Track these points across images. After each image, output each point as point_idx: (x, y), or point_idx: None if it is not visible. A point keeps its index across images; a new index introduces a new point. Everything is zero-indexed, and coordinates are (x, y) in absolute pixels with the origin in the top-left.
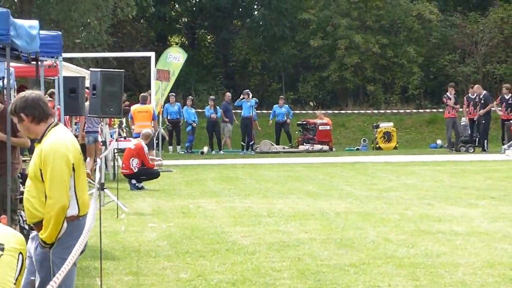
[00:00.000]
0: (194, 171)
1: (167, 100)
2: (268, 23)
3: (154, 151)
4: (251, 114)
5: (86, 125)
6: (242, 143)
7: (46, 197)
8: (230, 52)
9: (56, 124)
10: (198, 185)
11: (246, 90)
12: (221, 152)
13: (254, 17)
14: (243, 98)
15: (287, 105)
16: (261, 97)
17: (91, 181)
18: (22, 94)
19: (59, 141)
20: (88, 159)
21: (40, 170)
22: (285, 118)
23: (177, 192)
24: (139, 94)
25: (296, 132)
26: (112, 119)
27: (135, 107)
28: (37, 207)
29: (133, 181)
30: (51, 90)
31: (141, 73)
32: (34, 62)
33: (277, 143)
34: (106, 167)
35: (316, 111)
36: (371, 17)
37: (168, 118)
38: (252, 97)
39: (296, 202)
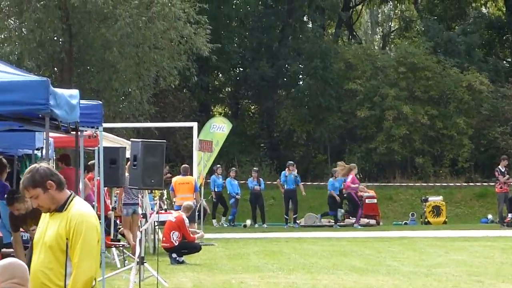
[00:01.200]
0: (236, 244)
1: (210, 172)
2: (313, 93)
3: (196, 224)
4: (294, 186)
5: (124, 197)
6: (285, 216)
7: (66, 268)
8: (274, 123)
9: (75, 196)
10: (240, 260)
11: (290, 162)
12: (265, 225)
13: (299, 87)
14: (289, 170)
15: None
16: (305, 169)
17: (130, 255)
18: (29, 168)
19: (89, 212)
20: (125, 231)
21: (67, 239)
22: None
23: (219, 266)
24: (181, 165)
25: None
26: (153, 191)
27: (176, 179)
28: (54, 280)
29: (174, 255)
30: (92, 161)
31: (183, 144)
32: (74, 132)
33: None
34: (146, 240)
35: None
36: (419, 88)
37: (216, 190)
38: (296, 168)
39: (342, 278)
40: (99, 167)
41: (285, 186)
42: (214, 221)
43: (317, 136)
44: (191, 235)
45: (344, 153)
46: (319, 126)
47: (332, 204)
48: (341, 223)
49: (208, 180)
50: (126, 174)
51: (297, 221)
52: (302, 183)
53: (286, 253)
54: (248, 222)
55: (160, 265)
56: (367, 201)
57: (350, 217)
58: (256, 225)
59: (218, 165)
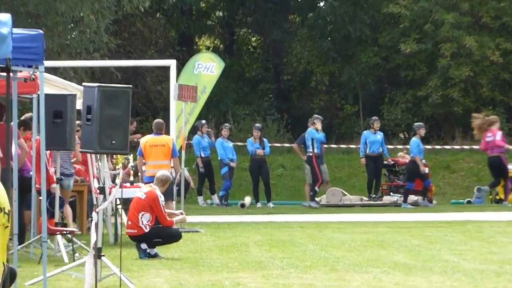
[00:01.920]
0: (230, 231)
1: (193, 129)
2: (339, 19)
3: (174, 202)
4: (320, 151)
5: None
6: (310, 192)
7: None
8: (284, 61)
9: None
10: (236, 252)
11: (315, 115)
12: (270, 204)
13: (320, 11)
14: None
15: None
16: (328, 125)
17: (82, 245)
18: None
19: None
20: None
21: None
22: (380, 150)
23: (207, 262)
24: (152, 120)
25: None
26: (114, 157)
27: (146, 139)
28: None
29: (143, 246)
30: (28, 114)
31: (156, 91)
32: (4, 74)
33: (370, 193)
34: (105, 224)
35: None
36: (488, 12)
37: (202, 155)
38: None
39: (379, 279)
40: (38, 122)
41: (314, 149)
42: (200, 198)
43: (345, 79)
44: (168, 218)
45: (383, 104)
46: (347, 66)
47: (412, 173)
48: (371, 202)
49: (191, 141)
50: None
51: (316, 199)
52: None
53: (301, 243)
54: (247, 200)
55: (124, 260)
56: None
57: (391, 194)
58: (259, 204)
59: (204, 121)
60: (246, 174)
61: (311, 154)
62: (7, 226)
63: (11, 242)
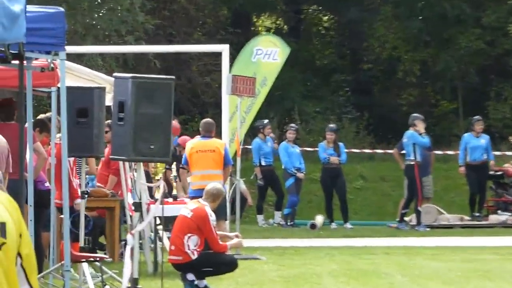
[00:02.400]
0: (298, 259)
1: (252, 131)
2: None
3: (228, 222)
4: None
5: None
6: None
7: None
8: (363, 46)
9: None
10: (306, 285)
11: (415, 115)
12: (348, 225)
13: None
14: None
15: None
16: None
17: (112, 274)
18: None
19: None
20: None
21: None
22: (485, 157)
23: None
24: (199, 119)
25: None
26: (153, 165)
27: (193, 144)
28: None
29: (190, 276)
30: (46, 114)
31: (205, 83)
32: (16, 62)
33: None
34: (142, 250)
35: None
36: None
37: (263, 164)
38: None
39: None
40: (59, 122)
41: (416, 156)
42: (259, 217)
43: (440, 69)
44: (220, 242)
45: (488, 99)
46: (443, 52)
47: None
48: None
49: (249, 146)
50: (107, 135)
51: (406, 218)
52: None
53: (386, 274)
54: (319, 219)
55: None
56: None
57: (499, 211)
58: (333, 225)
59: (266, 121)
60: (317, 187)
61: (412, 163)
62: (3, 243)
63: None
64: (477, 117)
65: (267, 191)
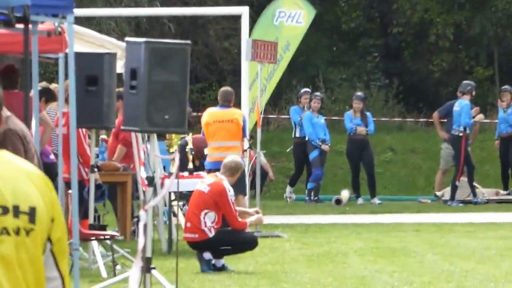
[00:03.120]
0: (323, 237)
1: (274, 99)
2: None
3: (247, 197)
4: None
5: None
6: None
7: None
8: (393, 8)
9: None
10: (330, 265)
11: (467, 82)
12: (376, 200)
13: None
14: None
15: None
16: (454, 93)
17: (126, 254)
18: None
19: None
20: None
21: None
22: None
23: (291, 277)
24: (217, 88)
25: None
26: (168, 136)
27: (210, 113)
28: None
29: (207, 255)
30: (51, 85)
31: (223, 48)
32: (21, 26)
33: (505, 185)
34: (156, 227)
35: None
36: None
37: (297, 135)
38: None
39: None
40: (67, 91)
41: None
42: (288, 189)
43: (475, 33)
44: (239, 219)
45: None
46: (478, 14)
47: None
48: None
49: (272, 116)
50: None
51: (438, 193)
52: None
53: (417, 252)
54: (345, 194)
55: (182, 274)
56: None
57: None
58: (360, 200)
59: (305, 89)
60: (343, 159)
61: (461, 134)
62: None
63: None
64: (504, 87)
65: (302, 165)
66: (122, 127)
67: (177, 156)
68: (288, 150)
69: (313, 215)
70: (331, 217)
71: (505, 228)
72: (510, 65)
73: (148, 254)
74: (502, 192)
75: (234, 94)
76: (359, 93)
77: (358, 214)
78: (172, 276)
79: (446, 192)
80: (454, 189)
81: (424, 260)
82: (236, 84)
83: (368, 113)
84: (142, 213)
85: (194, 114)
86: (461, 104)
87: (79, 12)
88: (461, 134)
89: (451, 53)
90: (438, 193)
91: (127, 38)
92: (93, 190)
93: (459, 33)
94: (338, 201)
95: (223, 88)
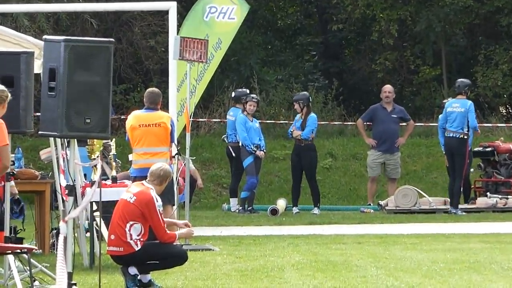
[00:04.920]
0: (257, 250)
1: (205, 101)
2: None
3: (175, 207)
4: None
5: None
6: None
7: None
8: (333, 3)
9: None
10: (266, 280)
11: (463, 80)
12: (315, 210)
13: None
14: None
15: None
16: (398, 95)
17: (43, 269)
18: None
19: None
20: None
21: None
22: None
23: None
24: (143, 89)
25: (472, 170)
26: (89, 142)
27: (135, 116)
28: None
29: (132, 270)
30: None
31: (149, 46)
32: None
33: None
34: (77, 240)
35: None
36: None
37: (228, 140)
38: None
39: None
40: None
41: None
42: (233, 201)
43: (421, 29)
44: (167, 231)
45: (476, 63)
46: (424, 10)
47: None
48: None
49: (202, 119)
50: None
51: (381, 202)
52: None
53: (359, 267)
54: (282, 203)
55: None
56: None
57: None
58: (296, 210)
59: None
60: (279, 166)
61: (466, 137)
62: None
63: None
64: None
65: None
66: (40, 132)
67: (99, 163)
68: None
69: (247, 226)
70: (267, 228)
71: (453, 240)
72: (458, 64)
73: (69, 269)
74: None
75: (161, 96)
76: (304, 92)
77: (295, 225)
78: None
79: (390, 201)
80: (458, 195)
81: (366, 274)
82: (163, 85)
83: (312, 115)
84: (62, 224)
85: (117, 117)
86: (465, 104)
87: None
88: (466, 137)
89: (395, 51)
90: (382, 202)
91: (45, 36)
92: (9, 200)
93: (404, 30)
94: (274, 211)
95: (149, 89)
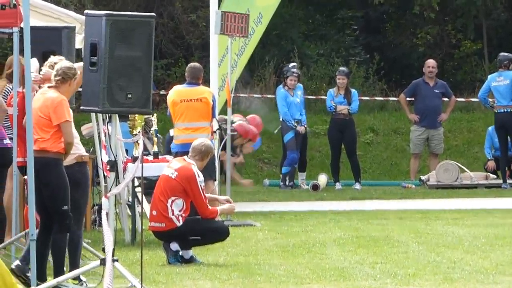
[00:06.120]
0: (298, 225)
1: (246, 76)
2: None
3: (217, 183)
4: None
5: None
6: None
7: None
8: None
9: None
10: (307, 256)
11: (505, 54)
12: (357, 186)
13: None
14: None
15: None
16: (439, 69)
17: (84, 245)
18: None
19: None
20: None
21: None
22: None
23: (265, 269)
24: (184, 64)
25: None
26: (131, 117)
27: (176, 91)
28: None
29: (174, 246)
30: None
31: (190, 21)
32: None
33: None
34: (119, 216)
35: None
36: None
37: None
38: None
39: None
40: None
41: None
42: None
43: (462, 3)
44: (209, 207)
45: None
46: None
47: None
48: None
49: (243, 95)
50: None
51: (422, 177)
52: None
53: (400, 242)
54: (323, 179)
55: (147, 267)
56: None
57: None
58: (338, 185)
59: (293, 64)
60: (320, 141)
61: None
62: None
63: None
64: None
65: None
66: (81, 107)
67: (141, 139)
68: (275, 132)
69: (288, 202)
70: (308, 204)
71: (495, 215)
72: (499, 38)
73: (110, 246)
74: (492, 176)
75: (203, 71)
76: (342, 68)
77: (337, 201)
78: (137, 269)
79: (432, 176)
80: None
81: (408, 250)
82: (205, 60)
83: (353, 90)
84: (104, 200)
85: (158, 92)
86: (510, 76)
87: None
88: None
89: (436, 26)
90: (423, 177)
91: (86, 11)
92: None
93: (445, 4)
94: (315, 187)
95: (191, 64)
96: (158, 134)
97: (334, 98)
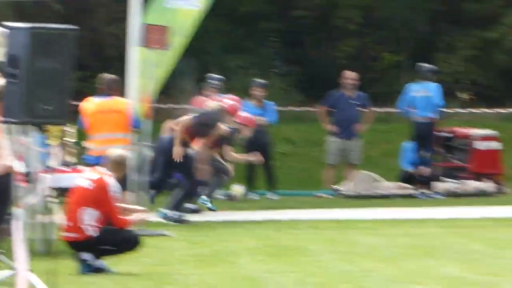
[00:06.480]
0: (213, 235)
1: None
2: None
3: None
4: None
5: None
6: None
7: None
8: None
9: None
10: (220, 265)
11: (427, 65)
12: (272, 195)
13: None
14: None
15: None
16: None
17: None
18: None
19: None
20: None
21: None
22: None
23: (177, 279)
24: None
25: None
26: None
27: (92, 103)
28: None
29: (86, 256)
30: None
31: (110, 33)
32: None
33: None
34: (32, 227)
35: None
36: None
37: None
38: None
39: None
40: None
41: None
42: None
43: (383, 16)
44: (122, 217)
45: (437, 50)
46: None
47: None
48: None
49: (163, 106)
50: None
51: (334, 187)
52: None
53: (313, 251)
54: (238, 189)
55: (60, 276)
56: (477, 146)
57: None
58: (252, 195)
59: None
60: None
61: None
62: None
63: None
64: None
65: None
66: (1, 119)
67: (55, 150)
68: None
69: (203, 212)
70: (223, 214)
71: (409, 225)
72: (419, 51)
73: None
74: (406, 185)
75: (120, 82)
76: (260, 80)
77: (251, 211)
78: (49, 279)
79: (347, 186)
80: (429, 179)
81: (320, 259)
82: (122, 72)
83: (268, 102)
84: (17, 210)
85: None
86: (432, 88)
87: None
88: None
89: (357, 38)
90: (335, 187)
91: (6, 23)
92: None
93: (366, 17)
94: (231, 197)
95: (106, 75)
96: (77, 146)
97: (249, 109)
